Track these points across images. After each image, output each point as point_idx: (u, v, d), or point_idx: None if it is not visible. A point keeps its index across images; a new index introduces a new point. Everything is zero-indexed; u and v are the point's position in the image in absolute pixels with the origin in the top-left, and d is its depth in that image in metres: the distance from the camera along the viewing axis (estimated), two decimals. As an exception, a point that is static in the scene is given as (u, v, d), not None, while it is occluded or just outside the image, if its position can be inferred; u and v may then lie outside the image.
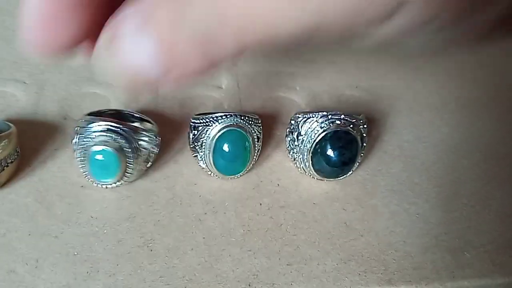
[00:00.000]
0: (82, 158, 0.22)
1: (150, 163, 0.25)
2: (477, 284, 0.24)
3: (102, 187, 0.24)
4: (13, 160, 0.24)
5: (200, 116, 0.25)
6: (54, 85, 0.30)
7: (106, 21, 0.15)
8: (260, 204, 0.25)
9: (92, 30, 0.16)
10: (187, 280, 0.22)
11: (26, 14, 0.15)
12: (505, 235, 0.26)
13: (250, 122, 0.25)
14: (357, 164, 0.26)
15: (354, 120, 0.25)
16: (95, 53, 0.15)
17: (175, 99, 0.30)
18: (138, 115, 0.26)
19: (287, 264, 0.23)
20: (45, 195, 0.24)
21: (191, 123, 0.25)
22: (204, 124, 0.24)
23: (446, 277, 0.23)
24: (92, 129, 0.21)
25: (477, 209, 0.27)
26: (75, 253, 0.22)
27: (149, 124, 0.26)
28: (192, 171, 0.26)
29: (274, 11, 0.13)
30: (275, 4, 0.13)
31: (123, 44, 0.14)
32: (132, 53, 0.14)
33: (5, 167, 0.23)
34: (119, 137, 0.21)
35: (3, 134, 0.23)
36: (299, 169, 0.26)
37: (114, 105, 0.29)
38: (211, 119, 0.24)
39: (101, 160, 0.22)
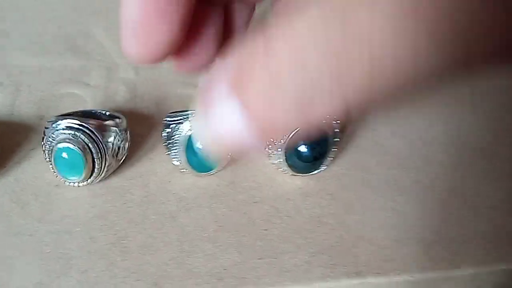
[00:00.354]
0: (49, 158, 0.23)
1: (122, 158, 0.25)
2: (447, 275, 0.24)
3: (74, 185, 0.24)
4: (-13, 161, 0.24)
5: (173, 114, 0.25)
6: (31, 86, 0.30)
7: (192, 33, 0.17)
8: (234, 200, 0.26)
9: (179, 42, 0.17)
10: (158, 275, 0.22)
11: (122, 25, 0.17)
12: (477, 227, 0.26)
13: None
14: (330, 159, 0.27)
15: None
16: (195, 118, 0.15)
17: (152, 98, 0.30)
18: (109, 113, 0.26)
19: (258, 259, 0.23)
20: (20, 195, 0.24)
21: (164, 122, 0.25)
22: (176, 122, 0.25)
23: (416, 269, 0.24)
24: (55, 129, 0.22)
25: (451, 203, 0.27)
26: (49, 251, 0.22)
27: (117, 120, 0.26)
28: (166, 169, 0.26)
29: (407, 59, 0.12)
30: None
31: (214, 113, 0.14)
32: (223, 121, 0.14)
33: (-21, 168, 0.23)
34: (80, 133, 0.22)
35: (-24, 135, 0.23)
36: (274, 165, 0.27)
37: (90, 105, 0.29)
38: (182, 116, 0.25)
39: (66, 158, 0.22)
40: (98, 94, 0.30)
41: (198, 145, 0.17)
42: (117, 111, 0.27)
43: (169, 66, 0.33)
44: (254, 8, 0.25)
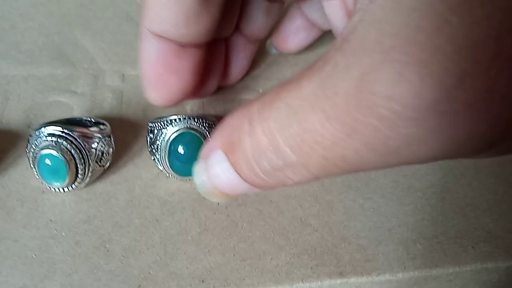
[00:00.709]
0: (33, 164, 0.23)
1: (107, 164, 0.25)
2: (428, 274, 0.24)
3: (58, 191, 0.24)
4: (-27, 168, 0.24)
5: (156, 120, 0.26)
6: (19, 95, 0.30)
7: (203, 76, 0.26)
8: (218, 204, 0.26)
9: (191, 86, 0.25)
10: (142, 278, 0.22)
11: (143, 80, 0.24)
12: (457, 226, 0.26)
13: (205, 125, 0.25)
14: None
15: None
16: (195, 172, 0.20)
17: (139, 105, 0.31)
18: (94, 120, 0.26)
19: (241, 260, 0.23)
20: (5, 201, 0.25)
21: (148, 127, 0.26)
22: (159, 127, 0.25)
23: (397, 268, 0.24)
24: (38, 136, 0.22)
25: (432, 202, 0.27)
26: (34, 255, 0.23)
27: (101, 126, 0.26)
28: (151, 174, 0.27)
29: (363, 159, 0.15)
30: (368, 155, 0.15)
31: (212, 170, 0.19)
32: (219, 174, 0.19)
33: (-36, 175, 0.24)
34: (62, 140, 0.22)
35: (-38, 142, 0.24)
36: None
37: (77, 112, 0.29)
38: (165, 122, 0.25)
39: (49, 165, 0.22)
40: (85, 102, 0.30)
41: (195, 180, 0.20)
42: (103, 118, 0.28)
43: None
44: (256, 42, 0.31)
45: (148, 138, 0.26)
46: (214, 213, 0.25)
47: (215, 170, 0.19)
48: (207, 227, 0.25)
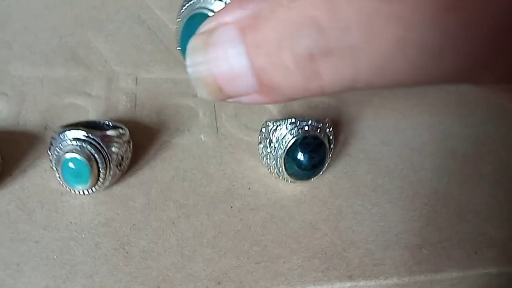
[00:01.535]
0: (56, 167, 0.24)
1: (124, 167, 0.26)
2: (433, 279, 0.26)
3: (79, 193, 0.25)
4: (-5, 170, 0.25)
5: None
6: (35, 96, 0.31)
7: None
8: (231, 207, 0.27)
9: None
10: (161, 280, 0.23)
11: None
12: (460, 232, 0.27)
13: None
14: (326, 165, 0.28)
15: (321, 125, 0.27)
16: (190, 49, 0.14)
17: (152, 108, 0.31)
18: (112, 124, 0.27)
19: (255, 263, 0.24)
20: (26, 202, 0.25)
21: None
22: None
23: (404, 272, 0.25)
24: (63, 139, 0.23)
25: (436, 208, 0.28)
26: (55, 257, 0.23)
27: (121, 130, 0.27)
28: (166, 177, 0.28)
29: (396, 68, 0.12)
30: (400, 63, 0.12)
31: (214, 52, 0.14)
32: (225, 63, 0.13)
33: (-13, 177, 0.24)
34: (87, 145, 0.23)
35: (-15, 145, 0.24)
36: (273, 174, 0.28)
37: (92, 115, 0.30)
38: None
39: (72, 168, 0.23)
40: (100, 104, 0.31)
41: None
42: (118, 121, 0.28)
43: (167, 77, 0.34)
44: None
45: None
46: (228, 217, 0.26)
47: (219, 52, 0.13)
48: (222, 230, 0.26)
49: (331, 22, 0.12)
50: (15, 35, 0.35)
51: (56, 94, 0.31)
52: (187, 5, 0.21)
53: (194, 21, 0.18)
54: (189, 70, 0.14)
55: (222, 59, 0.13)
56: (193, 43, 0.14)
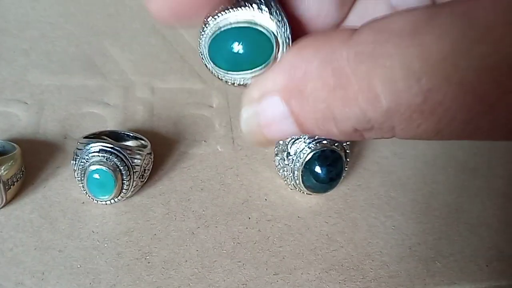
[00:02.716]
0: (80, 177, 0.24)
1: (145, 178, 0.26)
2: (446, 291, 0.26)
3: (101, 203, 0.26)
4: (18, 179, 0.25)
5: None
6: (54, 105, 0.31)
7: None
8: (249, 218, 0.27)
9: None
10: (182, 289, 0.24)
11: None
12: (472, 245, 0.28)
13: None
14: (342, 177, 0.28)
15: None
16: (243, 117, 0.17)
17: (169, 118, 0.32)
18: (132, 135, 0.27)
19: (273, 274, 0.25)
20: (48, 211, 0.26)
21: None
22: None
23: (418, 285, 0.26)
24: (88, 151, 0.23)
25: (448, 221, 0.29)
26: (79, 266, 0.24)
27: (143, 142, 0.28)
28: (185, 187, 0.28)
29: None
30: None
31: (265, 118, 0.16)
32: (273, 128, 0.16)
33: (11, 186, 0.25)
34: (113, 157, 0.23)
35: (9, 155, 0.25)
36: (290, 186, 0.28)
37: (111, 124, 0.31)
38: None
39: (98, 179, 0.24)
40: (117, 114, 0.31)
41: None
42: (136, 131, 0.29)
43: (183, 87, 0.35)
44: None
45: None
46: (246, 228, 0.27)
47: (269, 118, 0.16)
48: (240, 241, 0.26)
49: (376, 112, 0.14)
50: (33, 43, 0.35)
51: (74, 103, 0.32)
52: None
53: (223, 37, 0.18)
54: (247, 135, 0.17)
55: (273, 126, 0.16)
56: (245, 114, 0.17)
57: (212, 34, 0.17)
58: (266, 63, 0.16)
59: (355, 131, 0.15)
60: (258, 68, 0.16)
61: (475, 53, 0.13)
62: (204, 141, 0.31)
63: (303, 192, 0.28)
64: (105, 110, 0.32)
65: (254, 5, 0.16)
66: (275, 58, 0.16)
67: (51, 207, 0.26)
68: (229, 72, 0.17)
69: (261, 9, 0.16)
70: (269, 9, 0.16)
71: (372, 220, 0.28)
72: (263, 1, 0.16)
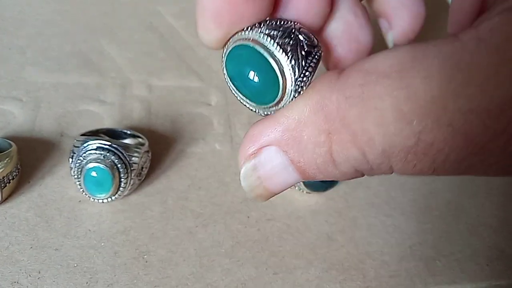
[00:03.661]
0: (77, 175, 0.24)
1: (143, 177, 0.26)
2: (447, 290, 0.26)
3: (98, 201, 0.25)
4: (14, 177, 0.25)
5: None
6: (50, 102, 0.31)
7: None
8: (248, 217, 0.27)
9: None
10: (180, 289, 0.23)
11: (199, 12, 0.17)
12: (472, 244, 0.28)
13: None
14: None
15: None
16: (242, 173, 0.17)
17: (167, 116, 0.32)
18: (130, 132, 0.27)
19: (273, 274, 0.25)
20: (44, 210, 0.25)
21: None
22: None
23: (419, 284, 0.25)
24: (86, 148, 0.23)
25: (448, 221, 0.29)
26: (75, 265, 0.23)
27: (140, 140, 0.27)
28: (183, 186, 0.28)
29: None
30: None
31: (264, 171, 0.16)
32: (274, 179, 0.16)
33: (7, 184, 0.24)
34: (111, 154, 0.23)
35: (5, 152, 0.24)
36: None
37: (108, 122, 0.30)
38: None
39: (95, 177, 0.23)
40: (114, 112, 0.31)
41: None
42: (133, 129, 0.28)
43: (180, 85, 0.34)
44: None
45: None
46: (245, 227, 0.27)
47: (269, 170, 0.16)
48: (239, 240, 0.26)
49: (372, 154, 0.14)
50: (29, 40, 0.35)
51: (70, 100, 0.31)
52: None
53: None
54: (248, 190, 0.17)
55: (274, 178, 0.16)
56: (243, 170, 0.17)
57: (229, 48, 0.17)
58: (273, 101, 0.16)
59: (356, 172, 0.15)
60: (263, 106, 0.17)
61: (462, 96, 0.13)
62: (202, 139, 0.31)
63: (302, 191, 0.28)
64: (102, 107, 0.31)
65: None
66: (282, 96, 0.16)
67: (47, 205, 0.26)
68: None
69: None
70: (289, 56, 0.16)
71: (372, 219, 0.28)
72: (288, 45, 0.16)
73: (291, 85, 0.16)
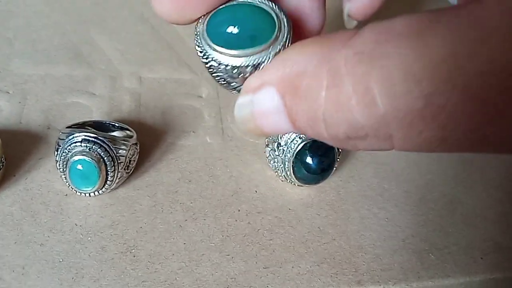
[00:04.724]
0: (63, 169, 0.23)
1: (131, 170, 0.26)
2: (441, 284, 0.25)
3: (85, 195, 0.25)
4: (-2, 170, 0.24)
5: None
6: (37, 95, 0.30)
7: None
8: (239, 210, 0.27)
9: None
10: (168, 284, 0.23)
11: None
12: (467, 237, 0.27)
13: None
14: (334, 168, 0.28)
15: None
16: (238, 104, 0.17)
17: (157, 109, 0.31)
18: (118, 125, 0.27)
19: (263, 268, 0.24)
20: (30, 204, 0.25)
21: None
22: None
23: (412, 278, 0.25)
24: (71, 141, 0.23)
25: (442, 213, 0.28)
26: (61, 260, 0.23)
27: (128, 132, 0.27)
28: (172, 179, 0.27)
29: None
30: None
31: (259, 108, 0.16)
32: (266, 120, 0.16)
33: (-9, 178, 0.24)
34: (97, 147, 0.22)
35: (-12, 145, 0.24)
36: (281, 177, 0.28)
37: (97, 115, 0.30)
38: None
39: (81, 170, 0.23)
40: (103, 104, 0.30)
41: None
42: (122, 121, 0.28)
43: (171, 77, 0.34)
44: None
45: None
46: (236, 220, 0.26)
47: (263, 109, 0.16)
48: (229, 234, 0.25)
49: (371, 117, 0.13)
50: (17, 31, 0.34)
51: (58, 93, 0.31)
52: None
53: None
54: (239, 122, 0.17)
55: (266, 118, 0.16)
56: (240, 101, 0.16)
57: (209, 15, 0.16)
58: (266, 42, 0.16)
59: (348, 139, 0.14)
60: (257, 48, 0.16)
61: (480, 56, 0.12)
62: (193, 132, 0.30)
63: (294, 184, 0.27)
64: (91, 100, 0.31)
65: None
66: (276, 37, 0.16)
67: (33, 199, 0.25)
68: (225, 51, 0.16)
69: None
70: None
71: (365, 212, 0.28)
72: None
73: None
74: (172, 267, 0.24)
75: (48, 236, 0.24)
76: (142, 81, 0.33)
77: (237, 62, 0.16)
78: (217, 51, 0.16)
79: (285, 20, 0.16)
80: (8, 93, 0.30)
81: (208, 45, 0.16)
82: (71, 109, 0.30)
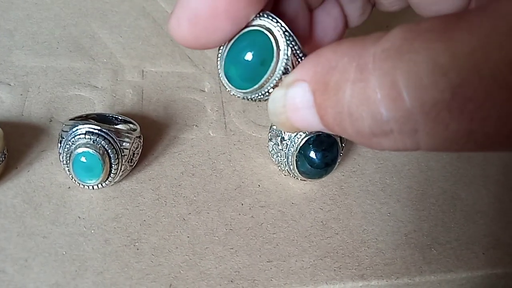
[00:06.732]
0: (66, 161, 0.23)
1: (134, 163, 0.25)
2: (443, 279, 0.26)
3: (88, 188, 0.25)
4: (0, 162, 0.24)
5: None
6: (39, 87, 0.30)
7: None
8: (242, 204, 0.27)
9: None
10: (172, 277, 0.23)
11: (180, 8, 0.17)
12: (468, 232, 0.28)
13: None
14: (338, 163, 0.28)
15: None
16: (272, 96, 0.17)
17: (160, 102, 0.31)
18: (121, 118, 0.26)
19: (267, 261, 0.24)
20: (32, 196, 0.25)
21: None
22: None
23: (415, 272, 0.25)
24: (75, 133, 0.22)
25: (444, 209, 0.29)
26: (64, 253, 0.23)
27: (132, 125, 0.27)
28: (175, 173, 0.27)
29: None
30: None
31: (291, 102, 0.16)
32: (297, 114, 0.16)
33: (-7, 169, 0.24)
34: (100, 139, 0.22)
35: (-9, 137, 0.24)
36: (284, 172, 0.28)
37: (99, 107, 0.29)
38: None
39: (84, 162, 0.22)
40: (106, 97, 0.30)
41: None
42: (125, 115, 0.28)
43: (173, 71, 0.33)
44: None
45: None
46: (239, 214, 0.26)
47: (295, 103, 0.16)
48: (233, 228, 0.25)
49: (397, 110, 0.13)
50: (17, 23, 0.34)
51: (60, 85, 0.31)
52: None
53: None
54: (272, 114, 0.17)
55: (297, 112, 0.16)
56: (274, 94, 0.17)
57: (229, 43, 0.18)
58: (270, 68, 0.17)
59: (372, 135, 0.14)
60: (260, 82, 0.17)
61: (508, 45, 0.12)
62: (196, 125, 0.30)
63: (297, 178, 0.27)
64: (93, 93, 0.30)
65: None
66: (277, 58, 0.17)
67: (35, 192, 0.25)
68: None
69: (259, 16, 0.17)
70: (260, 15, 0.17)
71: (367, 207, 0.28)
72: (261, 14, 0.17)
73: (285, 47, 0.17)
74: (176, 261, 0.23)
75: (51, 229, 0.24)
76: (144, 74, 0.33)
77: (247, 95, 0.18)
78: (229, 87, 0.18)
79: (282, 37, 0.17)
80: (10, 85, 0.30)
81: (224, 77, 0.18)
82: (73, 102, 0.30)
